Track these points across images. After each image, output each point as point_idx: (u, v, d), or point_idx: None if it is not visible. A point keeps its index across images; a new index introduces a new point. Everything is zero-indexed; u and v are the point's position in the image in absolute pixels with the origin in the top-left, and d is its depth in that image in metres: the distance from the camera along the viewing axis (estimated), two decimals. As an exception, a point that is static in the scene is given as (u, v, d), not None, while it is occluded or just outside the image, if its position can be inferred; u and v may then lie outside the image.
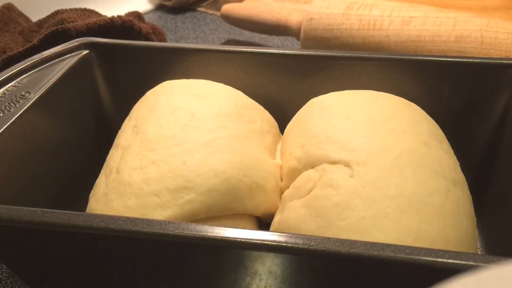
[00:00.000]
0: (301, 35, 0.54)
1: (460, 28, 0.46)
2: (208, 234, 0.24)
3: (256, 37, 0.69)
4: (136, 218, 0.25)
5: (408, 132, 0.32)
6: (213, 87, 0.38)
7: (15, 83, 0.36)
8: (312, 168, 0.32)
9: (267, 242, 0.24)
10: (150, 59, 0.41)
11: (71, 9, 0.57)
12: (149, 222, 0.25)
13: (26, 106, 0.34)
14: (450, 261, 0.22)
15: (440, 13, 0.48)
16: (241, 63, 0.40)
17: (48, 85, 0.36)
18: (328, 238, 0.23)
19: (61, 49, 0.39)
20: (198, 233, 0.24)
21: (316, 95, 0.38)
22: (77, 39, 0.41)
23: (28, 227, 0.26)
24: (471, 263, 0.22)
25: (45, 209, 0.25)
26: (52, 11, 0.57)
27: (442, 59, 0.38)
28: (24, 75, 0.37)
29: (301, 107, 0.38)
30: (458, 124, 0.38)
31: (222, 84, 0.39)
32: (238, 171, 0.32)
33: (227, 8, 0.63)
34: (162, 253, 0.27)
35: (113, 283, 0.31)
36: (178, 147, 0.32)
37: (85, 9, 0.58)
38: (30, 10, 0.62)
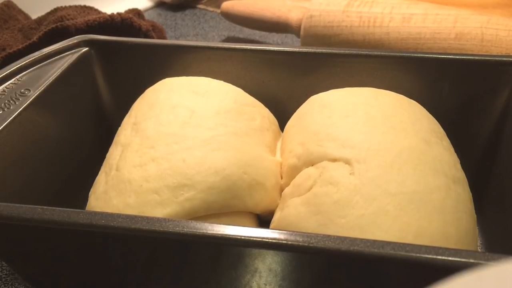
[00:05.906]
0: (301, 32, 0.54)
1: (460, 25, 0.46)
2: (208, 232, 0.24)
3: (256, 34, 0.69)
4: (135, 216, 0.25)
5: (408, 129, 0.32)
6: (213, 85, 0.38)
7: (14, 80, 0.36)
8: (312, 165, 0.32)
9: (267, 240, 0.24)
10: (150, 56, 0.41)
11: (70, 6, 0.57)
12: (149, 219, 0.25)
13: (26, 104, 0.34)
14: (450, 258, 0.22)
15: (441, 10, 0.48)
16: (241, 61, 0.40)
17: (48, 83, 0.36)
18: (328, 236, 0.23)
19: (60, 46, 0.39)
20: (198, 231, 0.24)
21: (316, 92, 0.38)
22: (76, 37, 0.41)
23: (28, 224, 0.25)
24: (471, 260, 0.22)
25: (45, 207, 0.25)
26: (52, 8, 0.57)
27: (442, 56, 0.38)
28: (24, 73, 0.37)
29: (301, 104, 0.38)
30: (459, 121, 0.38)
31: (222, 82, 0.39)
32: (238, 168, 0.32)
33: (227, 5, 0.63)
34: (162, 250, 0.27)
35: (112, 280, 0.31)
36: (178, 144, 0.32)
37: (84, 6, 0.58)
38: (29, 7, 0.62)
